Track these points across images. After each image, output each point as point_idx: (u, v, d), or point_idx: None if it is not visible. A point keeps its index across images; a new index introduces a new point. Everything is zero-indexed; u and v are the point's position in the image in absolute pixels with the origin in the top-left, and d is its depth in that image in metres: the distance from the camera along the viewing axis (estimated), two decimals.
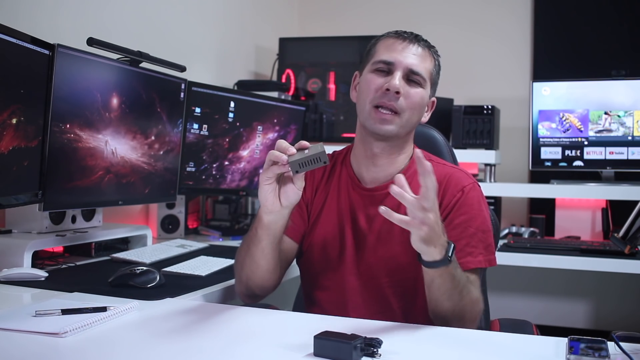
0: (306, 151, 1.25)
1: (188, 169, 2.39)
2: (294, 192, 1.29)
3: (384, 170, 1.50)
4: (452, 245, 1.27)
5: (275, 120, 2.65)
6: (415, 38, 1.49)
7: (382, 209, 1.19)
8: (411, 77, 1.45)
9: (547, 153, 3.04)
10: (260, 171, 1.32)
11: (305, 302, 1.62)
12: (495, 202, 3.04)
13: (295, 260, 1.60)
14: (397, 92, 1.42)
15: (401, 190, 1.19)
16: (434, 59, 1.51)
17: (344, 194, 1.53)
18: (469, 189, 1.46)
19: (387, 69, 1.45)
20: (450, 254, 1.25)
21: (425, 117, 1.53)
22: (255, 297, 1.49)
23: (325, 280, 1.53)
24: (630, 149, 2.94)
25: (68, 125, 1.80)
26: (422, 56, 1.47)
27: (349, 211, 1.52)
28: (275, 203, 1.30)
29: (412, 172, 1.50)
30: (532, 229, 3.02)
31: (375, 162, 1.50)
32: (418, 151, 1.23)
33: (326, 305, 1.52)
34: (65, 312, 1.26)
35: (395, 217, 1.20)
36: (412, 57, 1.45)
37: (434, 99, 1.54)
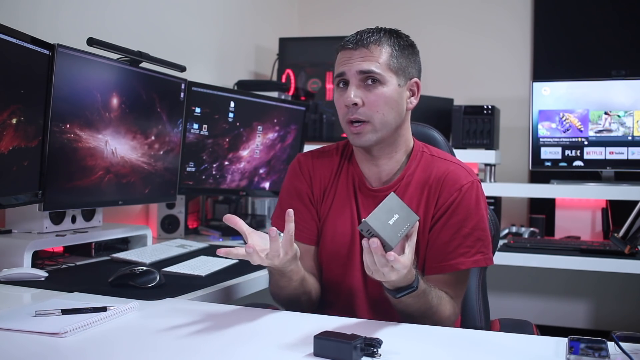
0: None
1: (188, 169, 2.39)
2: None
3: (383, 169, 1.51)
4: (415, 285, 1.28)
5: (275, 120, 2.65)
6: (357, 42, 1.44)
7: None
8: (366, 79, 1.43)
9: (547, 153, 3.04)
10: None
11: None
12: (495, 202, 3.05)
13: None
14: (355, 104, 1.43)
15: (368, 248, 1.19)
16: (389, 46, 1.44)
17: (351, 194, 1.53)
18: (467, 189, 1.45)
19: (343, 83, 1.46)
20: (399, 294, 1.28)
21: (412, 103, 1.49)
22: (302, 307, 1.50)
23: (333, 277, 1.53)
24: (630, 149, 2.94)
25: (68, 125, 1.80)
26: (370, 54, 1.42)
27: (355, 211, 1.52)
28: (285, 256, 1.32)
29: (411, 172, 1.50)
30: (532, 229, 3.02)
31: (375, 162, 1.51)
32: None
33: (333, 304, 1.52)
34: (65, 312, 1.26)
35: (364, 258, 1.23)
36: (358, 61, 1.43)
37: (414, 80, 1.48)
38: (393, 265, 1.18)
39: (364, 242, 1.18)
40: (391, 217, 1.20)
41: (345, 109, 1.44)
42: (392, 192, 1.26)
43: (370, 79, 1.42)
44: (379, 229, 1.17)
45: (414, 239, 1.24)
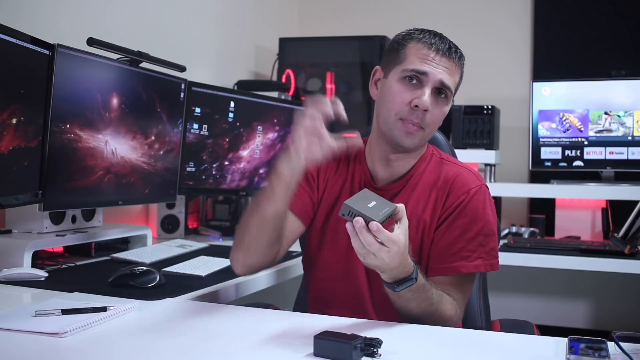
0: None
1: (188, 169, 2.39)
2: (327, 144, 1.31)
3: (397, 170, 1.50)
4: (415, 276, 1.25)
5: (275, 120, 2.65)
6: (448, 50, 1.43)
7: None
8: (440, 91, 1.42)
9: (547, 153, 3.04)
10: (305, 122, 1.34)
11: (310, 302, 1.61)
12: (495, 202, 3.00)
13: (301, 259, 1.59)
14: (426, 110, 1.40)
15: (353, 230, 1.17)
16: (461, 70, 1.48)
17: (357, 190, 1.53)
18: (475, 192, 1.46)
19: (417, 80, 1.41)
20: (399, 286, 1.25)
21: None
22: (252, 268, 1.46)
23: (336, 274, 1.52)
24: (630, 149, 2.94)
25: (68, 125, 1.80)
26: (454, 69, 1.44)
27: None
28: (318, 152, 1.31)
29: (420, 173, 1.50)
30: (532, 229, 3.02)
31: (390, 164, 1.50)
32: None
33: (336, 301, 1.51)
34: (65, 312, 1.26)
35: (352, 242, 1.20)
36: (444, 70, 1.41)
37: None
38: (379, 237, 1.15)
39: (348, 225, 1.16)
40: (370, 202, 1.20)
41: (408, 107, 1.40)
42: (365, 189, 1.25)
43: (443, 93, 1.42)
44: (360, 208, 1.16)
45: (404, 222, 1.20)
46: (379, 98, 1.48)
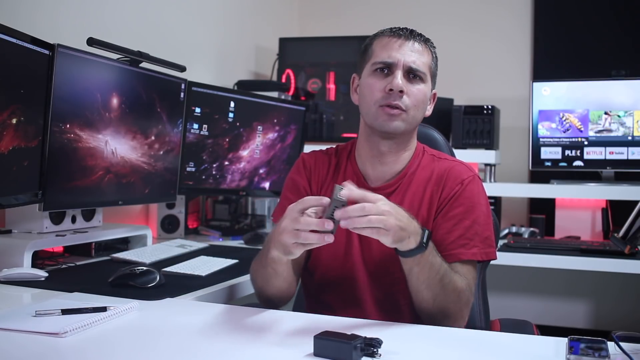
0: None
1: (188, 169, 2.39)
2: None
3: (390, 167, 1.51)
4: (427, 232, 1.29)
5: (275, 120, 2.65)
6: (410, 34, 1.47)
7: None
8: (412, 74, 1.45)
9: (547, 153, 3.04)
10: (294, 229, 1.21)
11: (308, 304, 1.61)
12: (495, 202, 3.04)
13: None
14: (401, 91, 1.43)
15: (345, 213, 1.18)
16: (431, 52, 1.50)
17: None
18: (468, 182, 1.48)
19: (386, 69, 1.45)
20: (425, 241, 1.27)
21: (429, 111, 1.53)
22: (273, 304, 1.49)
23: (333, 277, 1.52)
24: (630, 149, 2.94)
25: (68, 125, 1.80)
26: (420, 51, 1.47)
27: None
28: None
29: (413, 170, 1.50)
30: (532, 229, 3.02)
31: (382, 160, 1.51)
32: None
33: (334, 303, 1.51)
34: (65, 312, 1.26)
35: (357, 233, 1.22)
36: (410, 53, 1.45)
37: (434, 91, 1.54)
38: (367, 198, 1.18)
39: (337, 212, 1.17)
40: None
41: (383, 93, 1.43)
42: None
43: (415, 75, 1.45)
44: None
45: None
46: (360, 98, 1.52)
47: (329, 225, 1.17)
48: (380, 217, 1.19)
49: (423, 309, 1.36)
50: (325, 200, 1.20)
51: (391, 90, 1.43)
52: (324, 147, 1.66)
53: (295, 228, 1.19)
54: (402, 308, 1.46)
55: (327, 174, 1.57)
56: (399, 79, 1.43)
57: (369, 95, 1.46)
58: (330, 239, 1.18)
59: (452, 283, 1.35)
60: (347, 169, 1.56)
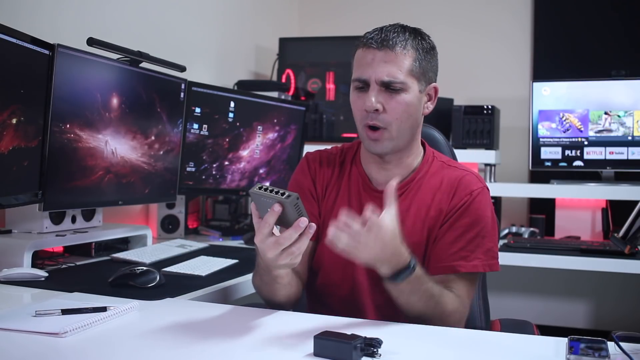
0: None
1: (188, 169, 2.39)
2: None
3: (393, 172, 1.49)
4: (412, 264, 1.28)
5: (275, 120, 2.65)
6: (382, 42, 1.39)
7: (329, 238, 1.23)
8: (389, 86, 1.40)
9: (547, 153, 3.04)
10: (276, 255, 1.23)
11: (310, 304, 1.61)
12: (495, 202, 3.04)
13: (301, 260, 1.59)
14: (376, 110, 1.41)
15: (335, 232, 1.22)
16: (414, 50, 1.41)
17: (355, 194, 1.52)
18: (477, 193, 1.47)
19: (363, 86, 1.43)
20: (398, 277, 1.27)
21: (429, 108, 1.48)
22: (284, 307, 1.48)
23: (334, 279, 1.52)
24: (630, 149, 2.94)
25: (68, 125, 1.81)
26: (395, 59, 1.39)
27: (359, 212, 1.51)
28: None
29: (422, 176, 1.50)
30: (532, 229, 3.01)
31: (384, 167, 1.50)
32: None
33: (336, 305, 1.51)
34: (65, 312, 1.26)
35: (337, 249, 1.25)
36: (383, 66, 1.39)
37: (433, 85, 1.47)
38: (357, 226, 1.21)
39: (331, 228, 1.22)
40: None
41: (364, 112, 1.42)
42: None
43: (392, 87, 1.40)
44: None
45: (393, 208, 1.24)
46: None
47: (304, 223, 1.19)
48: (353, 245, 1.22)
49: (413, 320, 1.36)
50: (277, 207, 1.19)
51: (366, 110, 1.42)
52: (324, 147, 1.65)
53: (282, 249, 1.21)
54: (403, 315, 1.46)
55: (331, 175, 1.56)
56: (372, 97, 1.39)
57: (354, 113, 1.46)
58: (311, 229, 1.21)
59: (439, 306, 1.34)
60: (352, 171, 1.55)
